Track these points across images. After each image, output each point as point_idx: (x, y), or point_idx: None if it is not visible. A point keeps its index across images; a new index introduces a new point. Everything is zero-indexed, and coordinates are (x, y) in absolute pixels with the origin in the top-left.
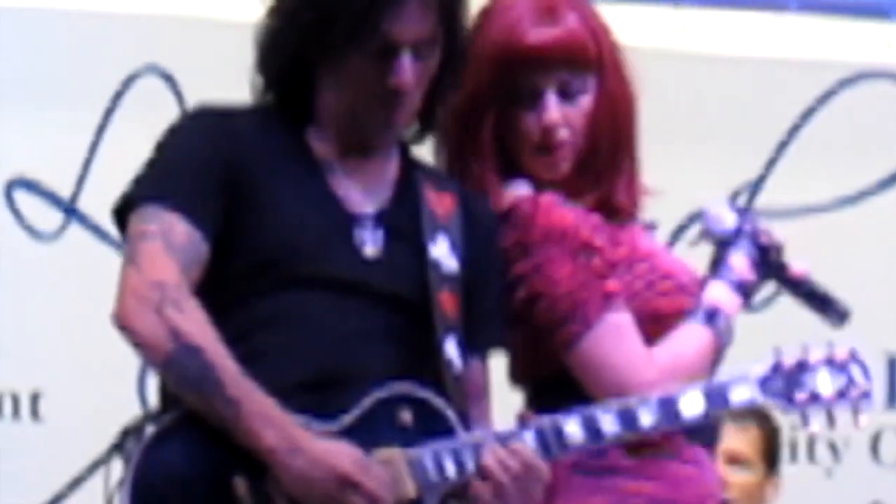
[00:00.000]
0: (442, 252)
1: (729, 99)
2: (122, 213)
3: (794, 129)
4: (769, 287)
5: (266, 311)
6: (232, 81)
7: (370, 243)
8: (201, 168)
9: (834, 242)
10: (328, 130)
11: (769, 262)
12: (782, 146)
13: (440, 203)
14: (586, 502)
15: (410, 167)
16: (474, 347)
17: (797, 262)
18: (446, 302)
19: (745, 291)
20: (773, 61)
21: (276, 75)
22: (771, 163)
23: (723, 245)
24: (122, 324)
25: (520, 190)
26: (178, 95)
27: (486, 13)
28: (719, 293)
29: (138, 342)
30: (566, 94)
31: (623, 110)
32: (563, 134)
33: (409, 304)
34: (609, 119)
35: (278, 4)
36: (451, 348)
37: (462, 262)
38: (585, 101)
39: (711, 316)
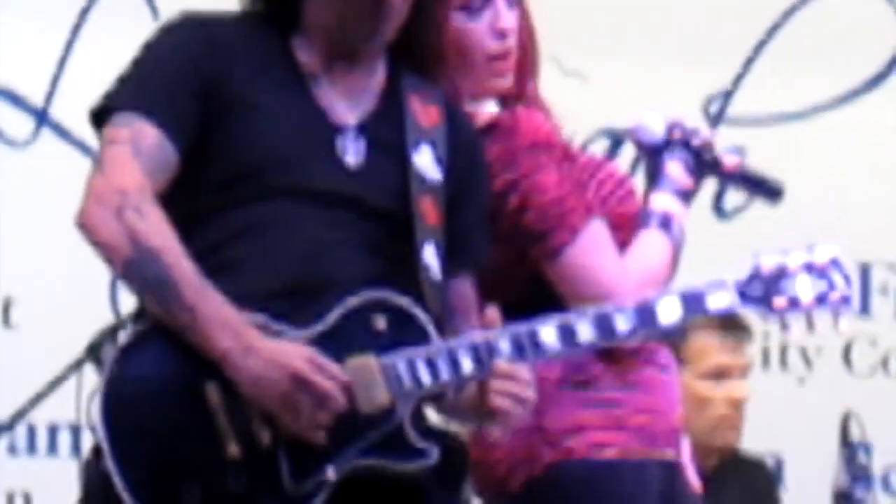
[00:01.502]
0: (425, 161)
1: (701, 7)
2: (98, 119)
3: (767, 37)
4: (739, 196)
5: (244, 219)
6: None
7: (352, 153)
8: (177, 76)
9: (806, 152)
10: (314, 40)
11: (704, 163)
12: (754, 54)
13: (425, 113)
14: (577, 416)
15: (397, 77)
16: (462, 261)
17: (727, 154)
18: (427, 210)
19: (686, 197)
20: None
21: None
22: (742, 71)
23: (656, 154)
24: (82, 225)
25: (491, 107)
26: (152, 5)
27: None
28: (665, 202)
29: (97, 243)
30: (510, 1)
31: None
32: (512, 41)
33: (390, 213)
34: (529, 25)
35: None
36: (429, 255)
37: (446, 173)
38: (521, 8)
39: (666, 223)
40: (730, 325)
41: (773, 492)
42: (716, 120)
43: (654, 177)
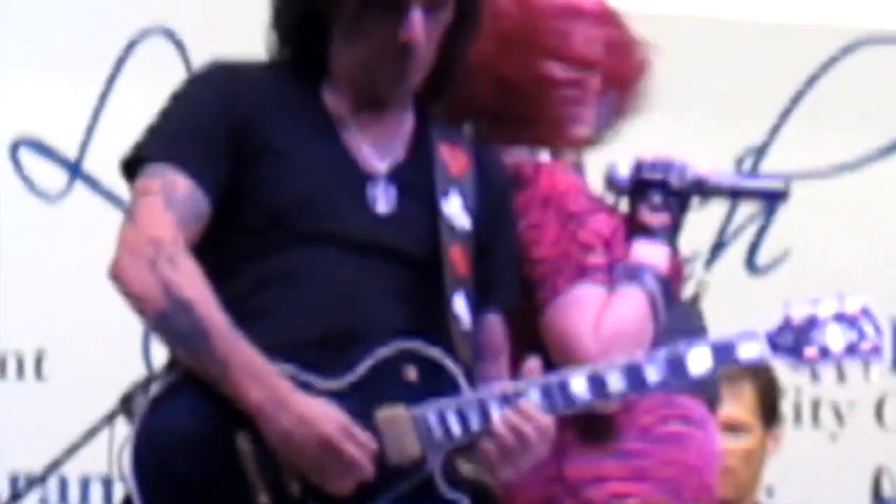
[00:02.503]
0: (454, 208)
1: (733, 63)
2: (129, 169)
3: (798, 95)
4: (774, 251)
5: (275, 267)
6: (238, 42)
7: (382, 200)
8: (208, 125)
9: (838, 208)
10: (342, 86)
11: (677, 193)
12: (787, 111)
13: (454, 159)
14: (598, 466)
15: (425, 123)
16: (489, 303)
17: (703, 165)
18: (457, 258)
19: (664, 236)
20: (778, 25)
21: (290, 31)
22: (775, 128)
23: (630, 197)
24: (115, 276)
25: (520, 153)
26: (184, 56)
27: None
28: (640, 251)
29: (130, 295)
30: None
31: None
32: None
33: (420, 260)
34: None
35: None
36: (459, 304)
37: (475, 219)
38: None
39: (634, 274)
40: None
41: None
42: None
43: (631, 223)
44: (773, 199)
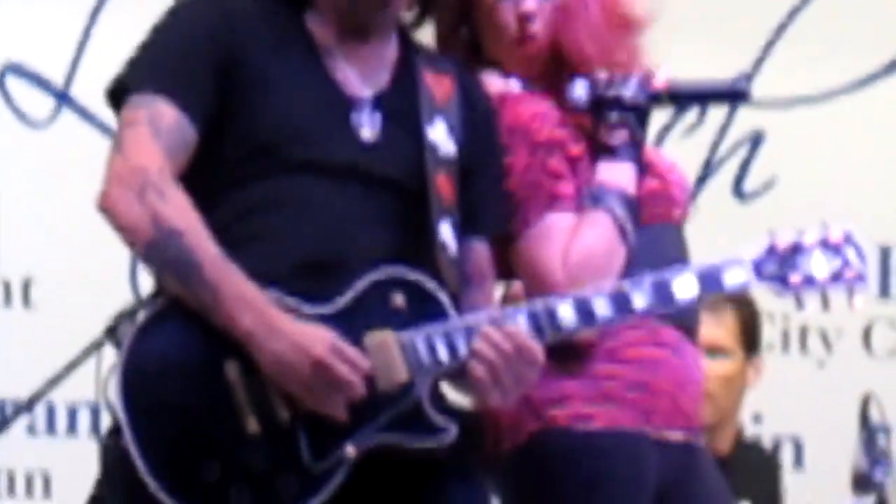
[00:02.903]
0: (439, 135)
1: None
2: (115, 97)
3: (787, 20)
4: (761, 177)
5: (261, 194)
6: None
7: (367, 127)
8: (193, 52)
9: (827, 133)
10: (327, 14)
11: (634, 108)
12: (777, 34)
13: (438, 86)
14: (563, 386)
15: (409, 51)
16: (475, 230)
17: (659, 76)
18: (442, 185)
19: (627, 154)
20: None
21: None
22: (765, 51)
23: (591, 116)
24: (104, 208)
25: (491, 83)
26: None
27: None
28: (603, 172)
29: (120, 226)
30: None
31: (593, 14)
32: (537, 25)
33: (405, 187)
34: (572, 20)
35: None
36: (445, 231)
37: (459, 145)
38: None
39: (597, 198)
40: None
41: (774, 479)
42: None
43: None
44: (734, 99)
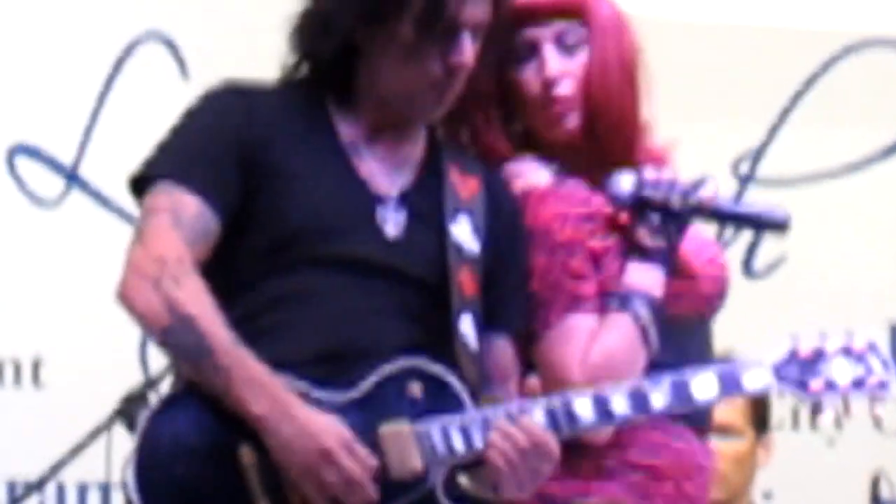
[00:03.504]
0: (463, 232)
1: (731, 67)
2: (138, 185)
3: (797, 97)
4: (770, 255)
5: (283, 288)
6: (235, 48)
7: (392, 224)
8: (218, 145)
9: (836, 211)
10: (364, 109)
11: (676, 215)
12: (784, 114)
13: (464, 184)
14: (563, 463)
15: (436, 148)
16: (499, 326)
17: (707, 188)
18: (465, 281)
19: (660, 259)
20: (776, 29)
21: (323, 56)
22: (773, 131)
23: (630, 213)
24: (122, 297)
25: (521, 174)
26: (181, 61)
27: None
28: (633, 274)
29: (137, 315)
30: (564, 46)
31: (616, 69)
32: (565, 87)
33: (427, 283)
34: (600, 76)
35: None
36: (466, 326)
37: (484, 244)
38: (583, 53)
39: (624, 301)
40: None
41: None
42: (745, 180)
43: (625, 241)
44: (772, 229)
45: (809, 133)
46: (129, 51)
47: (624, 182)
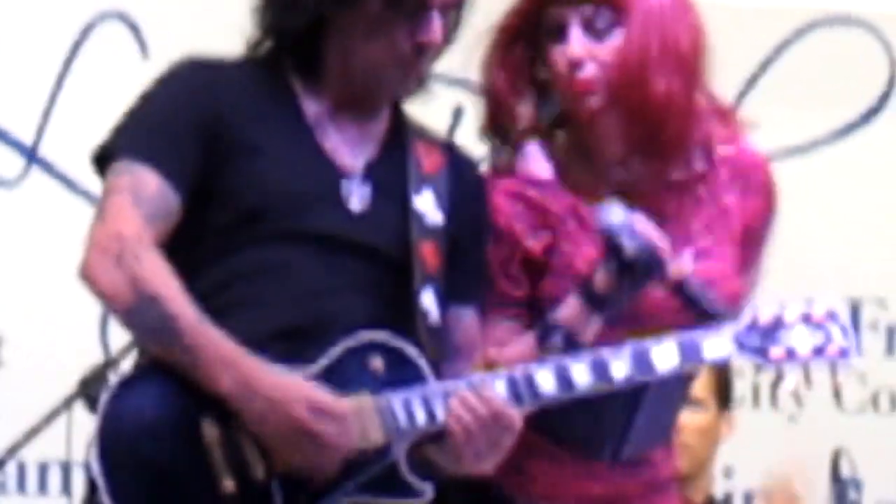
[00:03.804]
0: (426, 204)
1: None
2: (100, 163)
3: (757, 74)
4: None
5: (247, 263)
6: (194, 26)
7: (356, 198)
8: (180, 121)
9: (797, 189)
10: (328, 87)
11: (634, 277)
12: (741, 95)
13: (428, 157)
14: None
15: (400, 122)
16: (465, 300)
17: (679, 265)
18: (427, 253)
19: (601, 306)
20: (732, 8)
21: (289, 31)
22: (735, 104)
23: (607, 243)
24: (85, 276)
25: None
26: (140, 40)
27: None
28: (567, 308)
29: (99, 293)
30: (592, 30)
31: (653, 57)
32: (588, 71)
33: (390, 256)
34: (625, 64)
35: None
36: (427, 299)
37: (448, 216)
38: (616, 38)
39: (545, 334)
40: None
41: None
42: None
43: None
44: (705, 318)
45: (769, 111)
46: (88, 29)
47: (610, 215)
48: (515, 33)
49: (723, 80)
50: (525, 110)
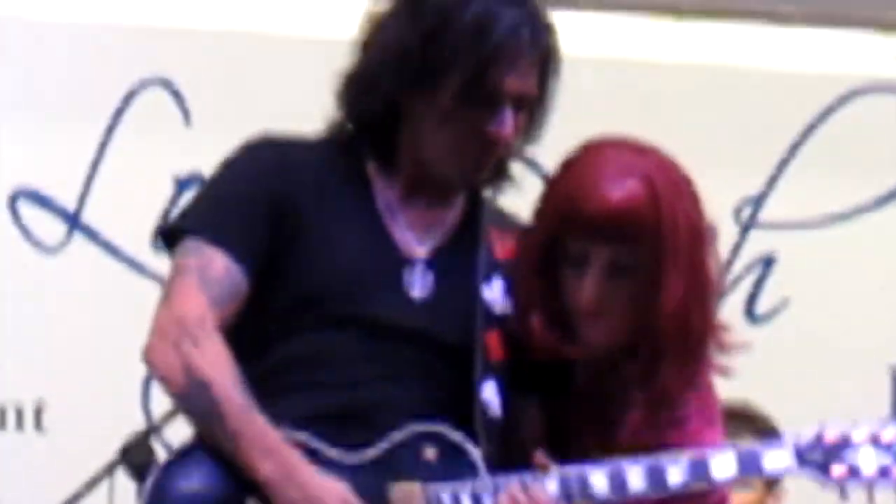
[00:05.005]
0: (496, 293)
1: (731, 111)
2: (169, 240)
3: (799, 142)
4: (771, 300)
5: (303, 348)
6: (236, 92)
7: (418, 286)
8: (249, 201)
9: (835, 257)
10: (401, 171)
11: None
12: (784, 161)
13: (502, 244)
14: None
15: (476, 208)
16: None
17: None
18: (492, 345)
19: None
20: (776, 74)
21: (366, 117)
22: (773, 178)
23: None
24: (146, 359)
25: None
26: (183, 106)
27: (567, 166)
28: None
29: (157, 377)
30: (616, 269)
31: (671, 302)
32: (600, 314)
33: (451, 346)
34: (648, 307)
35: (379, 47)
36: (488, 390)
37: None
38: (636, 279)
39: None
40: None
41: None
42: (747, 224)
43: None
44: None
45: (812, 177)
46: (131, 95)
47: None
48: (541, 252)
49: (767, 144)
50: None
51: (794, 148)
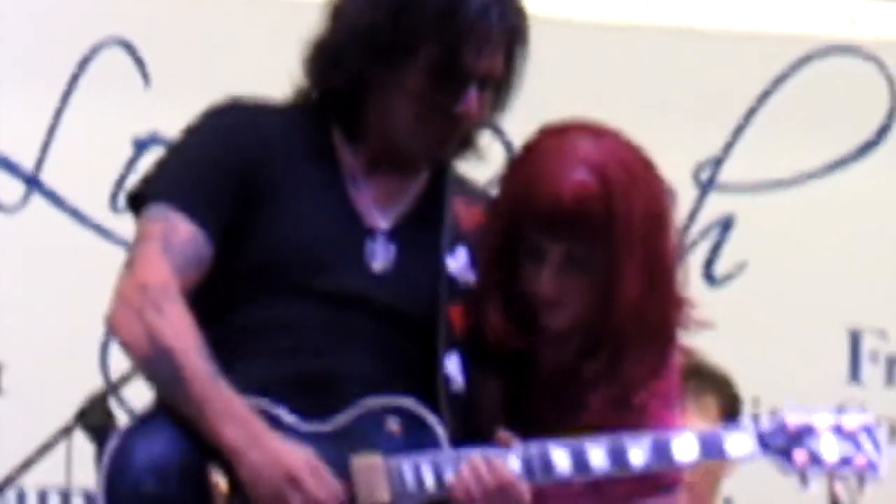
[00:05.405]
0: (460, 265)
1: (691, 73)
2: (135, 204)
3: (757, 104)
4: (730, 261)
5: (265, 314)
6: (195, 54)
7: (380, 257)
8: (215, 167)
9: (794, 219)
10: (367, 144)
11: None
12: (745, 121)
13: (468, 214)
14: None
15: (440, 178)
16: None
17: None
18: (456, 316)
19: None
20: (735, 35)
21: (333, 88)
22: (732, 139)
23: None
24: (109, 326)
25: None
26: (142, 68)
27: (524, 154)
28: None
29: (121, 344)
30: (572, 262)
31: (628, 296)
32: (560, 303)
33: (413, 318)
34: (606, 300)
35: (348, 20)
36: (452, 365)
37: None
38: (593, 271)
39: None
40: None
41: None
42: (706, 186)
43: None
44: None
45: (771, 139)
46: (89, 56)
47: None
48: (499, 246)
49: (727, 105)
50: None
51: (752, 110)
